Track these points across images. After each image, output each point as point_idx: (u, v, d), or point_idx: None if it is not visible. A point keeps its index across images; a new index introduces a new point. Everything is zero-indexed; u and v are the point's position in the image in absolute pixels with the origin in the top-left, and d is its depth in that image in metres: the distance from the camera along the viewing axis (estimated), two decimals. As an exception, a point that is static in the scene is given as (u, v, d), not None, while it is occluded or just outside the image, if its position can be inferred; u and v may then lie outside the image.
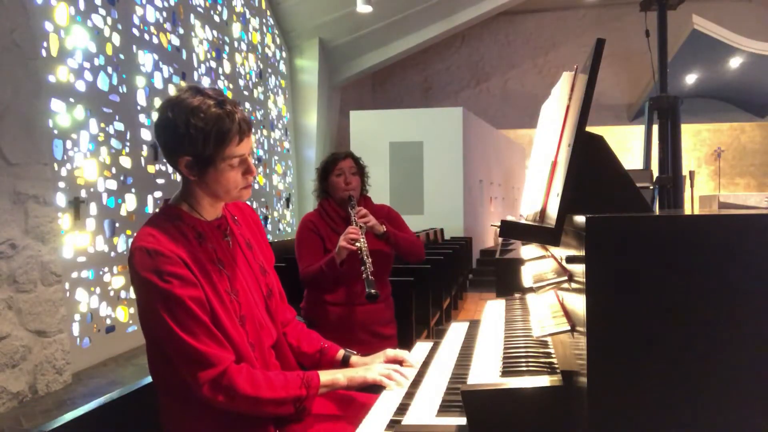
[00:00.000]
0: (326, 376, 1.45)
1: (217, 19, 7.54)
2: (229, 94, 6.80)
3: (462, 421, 1.16)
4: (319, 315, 2.56)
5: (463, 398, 1.06)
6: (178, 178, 1.43)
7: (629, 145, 14.12)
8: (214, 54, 7.39)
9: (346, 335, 2.46)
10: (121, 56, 5.37)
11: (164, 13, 6.21)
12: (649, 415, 0.84)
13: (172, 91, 6.23)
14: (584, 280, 0.86)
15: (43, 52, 4.35)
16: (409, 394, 1.42)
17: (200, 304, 1.30)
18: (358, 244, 2.36)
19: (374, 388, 1.52)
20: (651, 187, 4.78)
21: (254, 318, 1.44)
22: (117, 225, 5.18)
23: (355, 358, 1.67)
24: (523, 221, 1.37)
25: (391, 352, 1.67)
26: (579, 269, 0.91)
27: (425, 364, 1.66)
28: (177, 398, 1.35)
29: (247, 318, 1.41)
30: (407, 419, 1.25)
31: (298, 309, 2.65)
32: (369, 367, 1.53)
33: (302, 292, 2.70)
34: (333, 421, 1.52)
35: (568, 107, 1.19)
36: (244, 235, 1.54)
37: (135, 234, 5.38)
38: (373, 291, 2.26)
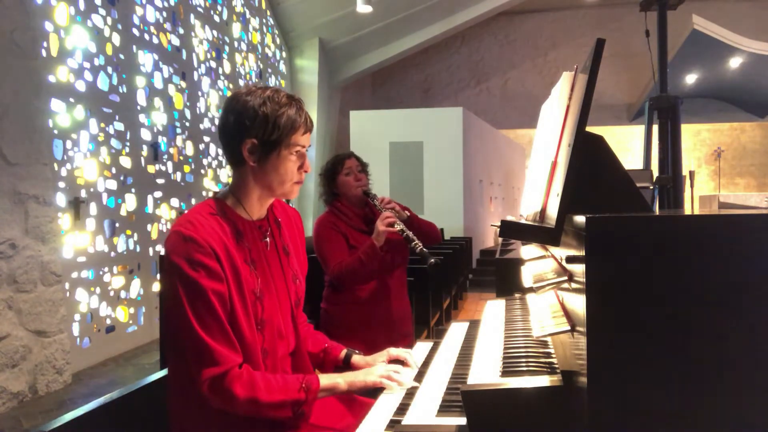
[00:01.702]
0: (326, 380, 1.43)
1: (217, 19, 7.53)
2: (228, 94, 6.75)
3: (462, 421, 1.16)
4: (348, 315, 2.56)
5: (463, 398, 1.06)
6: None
7: (629, 145, 14.12)
8: (214, 54, 7.39)
9: (375, 334, 2.47)
10: (121, 56, 5.36)
11: (164, 13, 6.21)
12: (649, 415, 0.84)
13: (172, 91, 6.23)
14: (584, 280, 0.86)
15: (43, 52, 4.35)
16: (409, 394, 1.42)
17: (222, 299, 1.30)
18: (397, 226, 2.37)
19: (373, 391, 1.52)
20: (651, 187, 4.77)
21: (274, 325, 1.43)
22: (117, 225, 5.17)
23: (356, 357, 1.67)
24: (523, 221, 1.37)
25: (394, 352, 1.66)
26: (579, 269, 0.91)
27: (425, 364, 1.66)
28: (186, 390, 1.36)
29: (267, 324, 1.40)
30: (407, 419, 1.25)
31: (314, 310, 2.65)
32: (369, 370, 1.51)
33: (314, 293, 2.69)
34: (333, 421, 1.52)
35: (568, 107, 1.19)
36: (284, 239, 1.53)
37: (136, 233, 5.33)
38: (433, 260, 2.26)
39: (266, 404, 1.31)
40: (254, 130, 1.34)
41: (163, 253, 1.38)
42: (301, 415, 1.37)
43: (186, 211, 1.39)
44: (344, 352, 1.68)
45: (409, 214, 2.58)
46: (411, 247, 2.35)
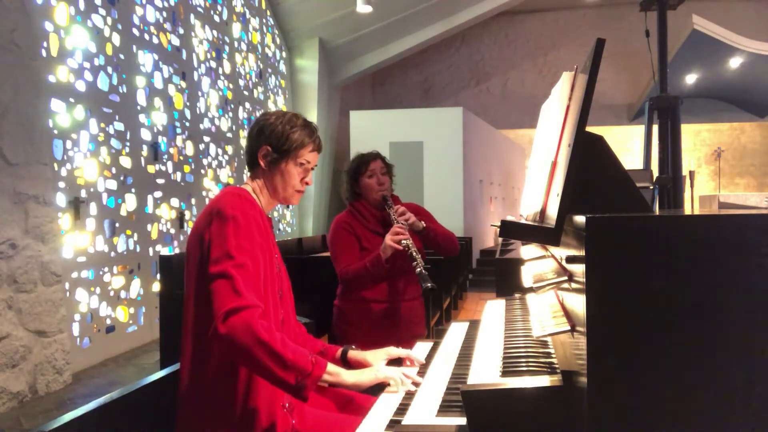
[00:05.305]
0: (333, 367, 1.48)
1: (217, 19, 7.53)
2: (229, 95, 6.73)
3: (462, 421, 1.17)
4: (358, 313, 2.57)
5: (463, 398, 1.06)
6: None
7: (629, 145, 14.11)
8: (214, 54, 7.38)
9: (385, 333, 2.48)
10: (121, 56, 5.36)
11: (164, 13, 6.21)
12: (649, 415, 0.84)
13: (172, 91, 6.23)
14: (584, 280, 0.86)
15: (43, 52, 4.35)
16: (409, 394, 1.42)
17: (262, 254, 1.46)
18: (405, 241, 2.38)
19: (373, 390, 1.53)
20: (651, 187, 4.77)
21: (286, 300, 1.60)
22: (117, 225, 5.17)
23: (353, 352, 1.73)
24: (523, 221, 1.37)
25: (394, 352, 1.69)
26: (579, 269, 0.91)
27: (425, 364, 1.66)
28: (199, 381, 1.42)
29: (285, 294, 1.57)
30: (407, 419, 1.25)
31: (329, 306, 2.67)
32: (377, 368, 1.56)
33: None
34: (333, 421, 1.53)
35: (568, 107, 1.19)
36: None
37: (136, 233, 5.29)
38: (429, 285, 2.28)
39: (277, 355, 1.34)
40: (270, 139, 1.60)
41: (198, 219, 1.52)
42: (301, 389, 1.37)
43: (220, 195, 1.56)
44: (341, 350, 1.74)
45: (424, 224, 2.58)
46: (414, 265, 2.35)
